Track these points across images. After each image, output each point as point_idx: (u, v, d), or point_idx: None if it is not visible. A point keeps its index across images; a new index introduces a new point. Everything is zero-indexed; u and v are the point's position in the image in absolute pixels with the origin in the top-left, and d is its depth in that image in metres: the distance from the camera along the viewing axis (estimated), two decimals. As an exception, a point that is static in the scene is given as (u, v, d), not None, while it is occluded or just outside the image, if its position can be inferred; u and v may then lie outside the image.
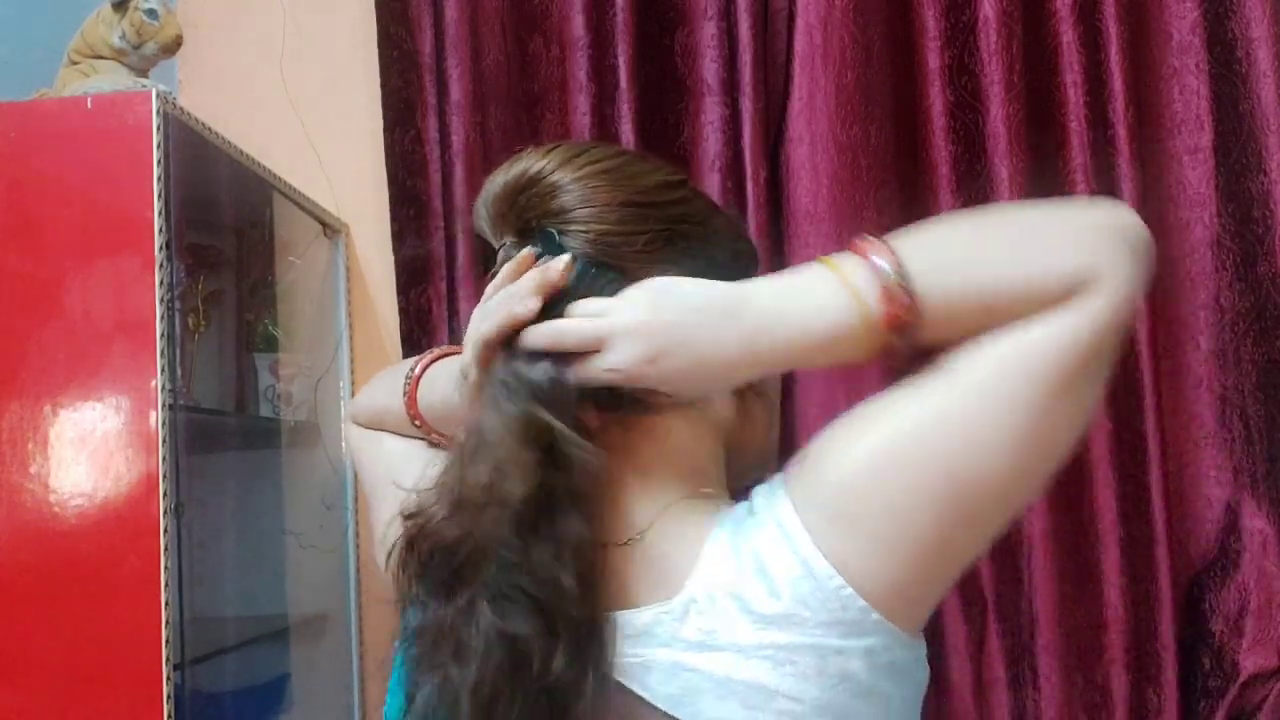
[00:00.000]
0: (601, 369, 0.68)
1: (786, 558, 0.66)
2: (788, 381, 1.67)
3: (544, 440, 0.68)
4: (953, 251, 0.66)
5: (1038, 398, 0.63)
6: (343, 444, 0.94)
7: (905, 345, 0.64)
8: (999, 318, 0.64)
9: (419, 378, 0.89)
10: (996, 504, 0.66)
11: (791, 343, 0.66)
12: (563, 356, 0.70)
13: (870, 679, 0.66)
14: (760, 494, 0.71)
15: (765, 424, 0.83)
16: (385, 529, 0.83)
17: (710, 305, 0.67)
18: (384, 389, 0.96)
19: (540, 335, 0.71)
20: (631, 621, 0.68)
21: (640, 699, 0.67)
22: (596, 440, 0.73)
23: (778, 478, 0.71)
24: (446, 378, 0.84)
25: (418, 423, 0.89)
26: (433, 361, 0.91)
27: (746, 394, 0.80)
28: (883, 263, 0.64)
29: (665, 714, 0.67)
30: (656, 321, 0.67)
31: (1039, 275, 0.63)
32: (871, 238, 0.66)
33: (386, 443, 0.96)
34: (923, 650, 0.71)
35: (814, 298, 0.66)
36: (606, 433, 0.74)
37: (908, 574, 0.66)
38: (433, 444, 0.91)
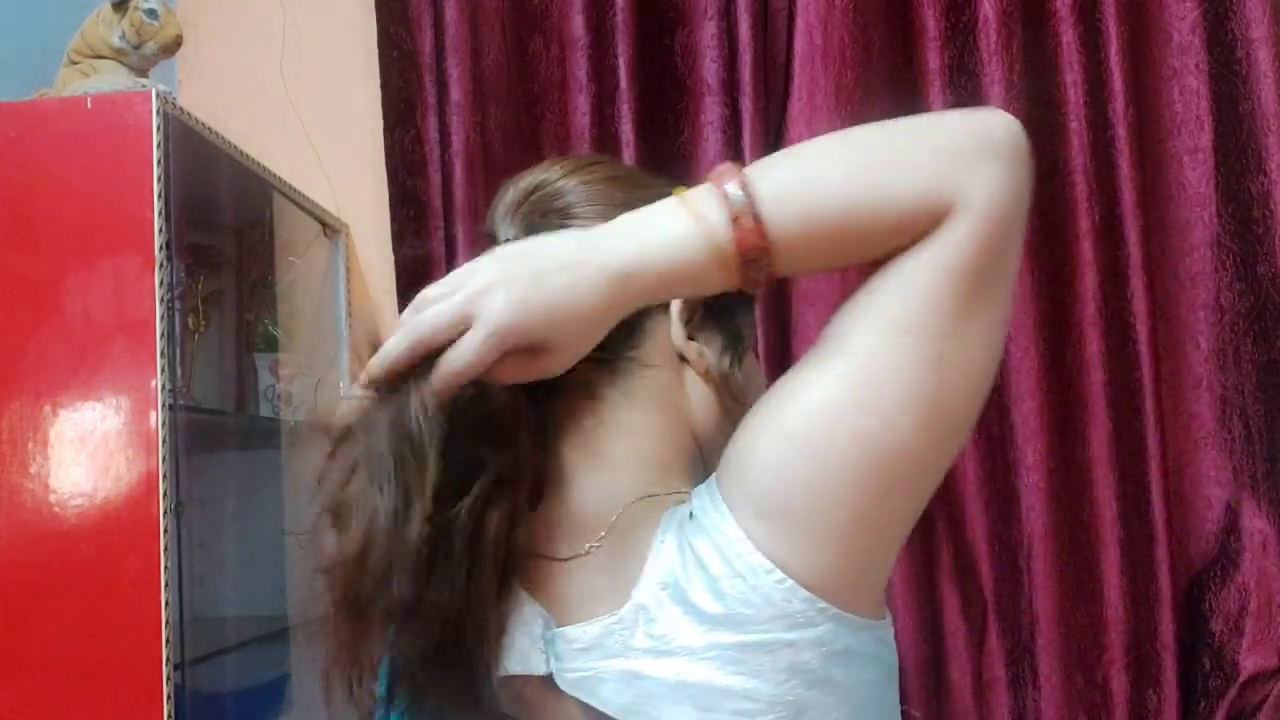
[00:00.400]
0: (477, 342, 0.63)
1: (726, 558, 0.65)
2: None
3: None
4: (806, 175, 0.64)
5: (925, 347, 0.62)
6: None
7: (765, 275, 0.63)
8: (861, 245, 0.63)
9: None
10: (918, 463, 0.65)
11: (645, 277, 0.63)
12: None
13: (824, 668, 0.65)
14: (698, 495, 0.70)
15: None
16: None
17: (559, 252, 0.65)
18: None
19: (401, 345, 0.66)
20: (581, 635, 0.68)
21: (595, 712, 0.67)
22: (551, 433, 0.73)
23: (713, 477, 0.70)
24: None
25: None
26: None
27: (723, 394, 0.78)
28: (733, 189, 0.62)
29: None
30: (509, 273, 0.64)
31: (894, 198, 0.62)
32: (729, 165, 0.64)
33: None
34: (884, 628, 0.69)
35: (661, 231, 0.64)
36: (561, 426, 0.74)
37: (847, 556, 0.64)
38: None
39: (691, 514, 0.69)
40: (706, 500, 0.68)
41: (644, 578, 0.68)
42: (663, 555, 0.68)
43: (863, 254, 0.63)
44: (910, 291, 0.62)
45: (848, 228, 0.62)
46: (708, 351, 0.77)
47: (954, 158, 0.61)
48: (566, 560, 0.71)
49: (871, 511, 0.64)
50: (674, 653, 0.65)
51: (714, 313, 0.77)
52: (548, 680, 0.69)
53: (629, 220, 0.66)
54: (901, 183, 0.62)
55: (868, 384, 0.62)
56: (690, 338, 0.77)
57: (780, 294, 1.67)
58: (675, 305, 0.75)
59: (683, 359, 0.77)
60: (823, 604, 0.64)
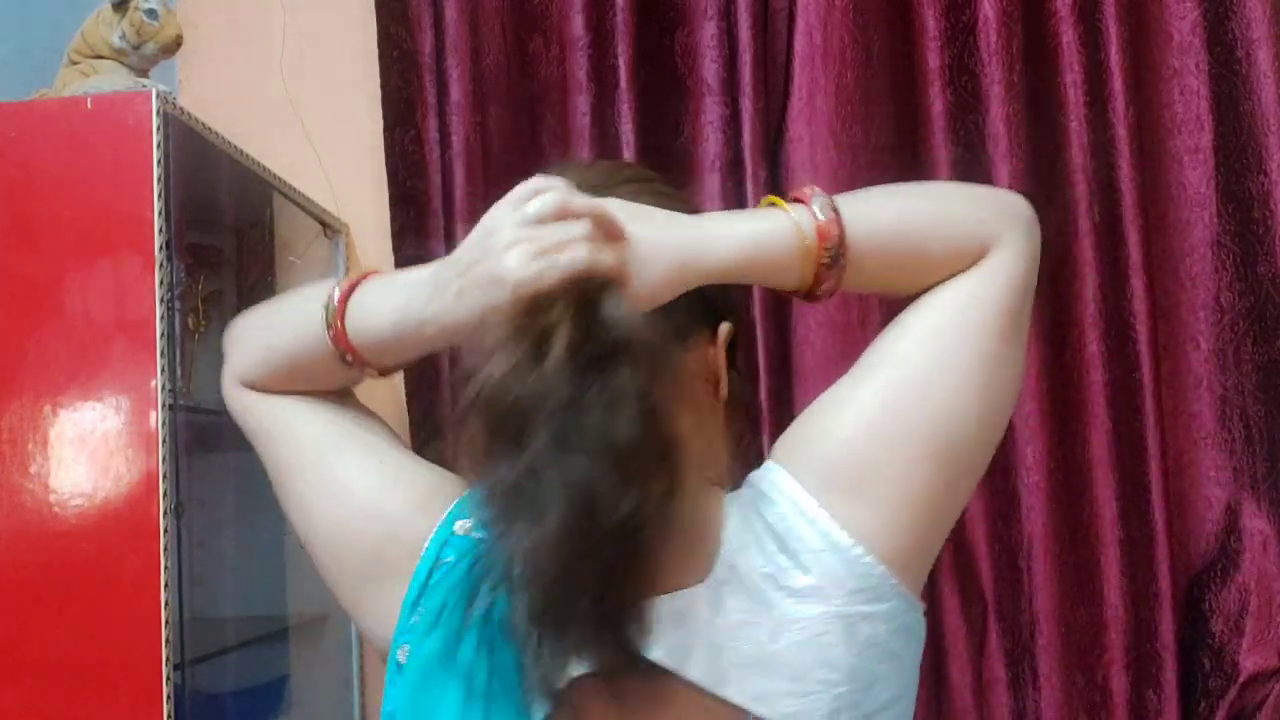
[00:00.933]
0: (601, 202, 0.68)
1: (808, 533, 0.69)
2: (788, 377, 1.68)
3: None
4: (881, 203, 0.76)
5: (986, 346, 0.73)
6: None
7: (837, 277, 0.71)
8: (916, 266, 0.74)
9: (344, 302, 0.76)
10: (974, 454, 0.74)
11: (732, 236, 0.71)
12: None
13: (890, 642, 0.70)
14: (759, 479, 0.74)
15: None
16: (333, 523, 0.79)
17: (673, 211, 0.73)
18: (285, 330, 0.81)
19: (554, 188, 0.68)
20: (667, 606, 0.69)
21: (685, 682, 0.68)
22: None
23: (770, 461, 0.74)
24: (401, 297, 0.74)
25: (349, 357, 0.76)
26: (355, 285, 0.77)
27: (726, 420, 0.81)
28: (817, 195, 0.72)
29: (711, 694, 0.68)
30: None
31: (948, 230, 0.74)
32: (811, 185, 0.74)
33: (301, 408, 0.82)
34: (922, 611, 0.74)
35: (754, 220, 0.73)
36: None
37: (915, 534, 0.71)
38: (371, 376, 0.80)
39: (761, 493, 0.73)
40: (775, 482, 0.72)
41: (722, 553, 0.70)
42: (737, 533, 0.71)
43: (916, 275, 0.74)
44: (969, 302, 0.73)
45: (909, 249, 0.73)
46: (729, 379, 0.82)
47: (997, 212, 0.75)
48: None
49: (939, 495, 0.72)
50: (760, 625, 0.68)
51: (730, 355, 0.82)
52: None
53: (727, 212, 0.76)
54: (952, 220, 0.74)
55: (942, 377, 0.72)
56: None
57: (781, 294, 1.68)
58: (724, 330, 0.80)
59: (709, 381, 0.80)
60: (893, 579, 0.70)
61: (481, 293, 0.67)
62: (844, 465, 0.71)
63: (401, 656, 0.74)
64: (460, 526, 0.76)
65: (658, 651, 0.68)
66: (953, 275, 0.73)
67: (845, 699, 0.68)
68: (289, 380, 0.82)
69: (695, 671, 0.68)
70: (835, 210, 0.71)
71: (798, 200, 0.72)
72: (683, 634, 0.68)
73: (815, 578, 0.68)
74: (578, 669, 0.67)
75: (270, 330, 0.83)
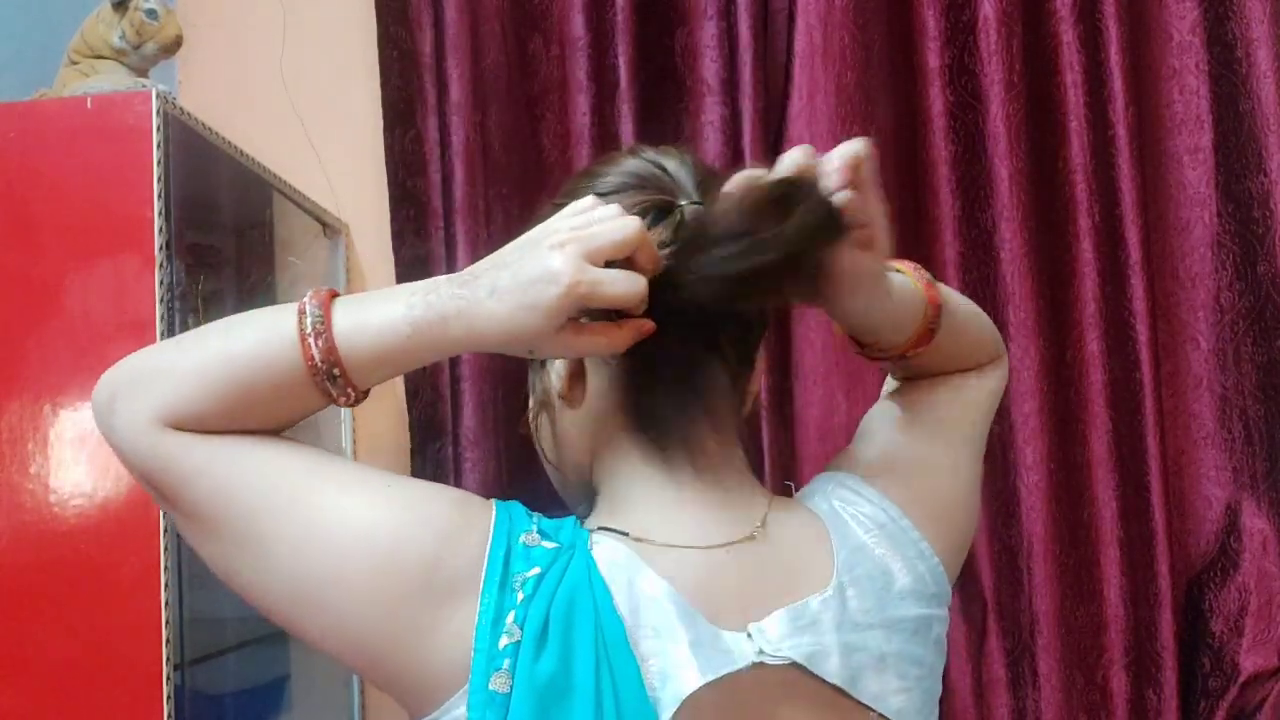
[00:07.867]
0: None
1: (904, 541, 0.78)
2: (788, 377, 1.67)
3: None
4: (956, 296, 0.87)
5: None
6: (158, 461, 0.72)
7: (928, 341, 0.82)
8: (970, 351, 0.88)
9: (328, 312, 0.70)
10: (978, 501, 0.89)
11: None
12: None
13: (942, 640, 0.79)
14: (837, 495, 0.80)
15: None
16: (353, 555, 0.67)
17: None
18: (236, 353, 0.69)
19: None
20: (803, 612, 0.72)
21: (827, 684, 0.72)
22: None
23: (852, 478, 0.81)
24: (403, 301, 0.70)
25: (336, 372, 0.68)
26: (326, 300, 0.72)
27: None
28: (920, 271, 0.83)
29: (846, 694, 0.72)
30: None
31: (989, 330, 0.91)
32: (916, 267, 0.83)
33: (261, 443, 0.70)
34: None
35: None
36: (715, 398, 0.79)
37: (958, 556, 0.82)
38: (341, 403, 0.71)
39: (853, 502, 0.79)
40: (867, 494, 0.80)
41: (836, 558, 0.75)
42: (841, 538, 0.77)
43: (965, 358, 0.89)
44: (993, 392, 0.92)
45: (962, 343, 0.88)
46: None
47: (996, 334, 0.93)
48: (720, 547, 0.74)
49: (972, 529, 0.86)
50: (875, 625, 0.74)
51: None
52: (750, 672, 0.70)
53: None
54: (987, 326, 0.93)
55: (981, 451, 0.90)
56: None
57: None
58: None
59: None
60: (949, 587, 0.80)
61: (524, 291, 0.65)
62: (933, 494, 0.82)
63: (501, 685, 0.65)
64: (528, 539, 0.69)
65: (804, 655, 0.71)
66: (978, 366, 0.89)
67: (929, 691, 0.76)
68: (239, 412, 0.69)
69: (833, 674, 0.71)
70: (932, 281, 0.81)
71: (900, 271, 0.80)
72: (820, 637, 0.72)
73: (914, 581, 0.77)
74: (707, 676, 0.68)
75: (210, 355, 0.70)
